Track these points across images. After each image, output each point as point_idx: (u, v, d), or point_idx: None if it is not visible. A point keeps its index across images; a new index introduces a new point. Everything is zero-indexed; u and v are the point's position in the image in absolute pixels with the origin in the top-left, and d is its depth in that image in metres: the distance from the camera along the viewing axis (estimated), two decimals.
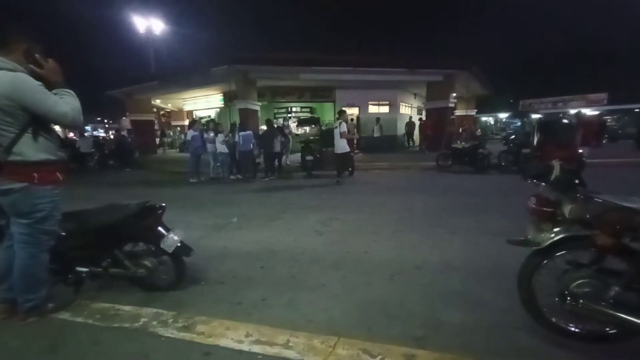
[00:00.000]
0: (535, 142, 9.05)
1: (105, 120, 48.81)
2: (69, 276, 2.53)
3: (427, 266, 3.08)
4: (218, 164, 9.51)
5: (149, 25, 19.63)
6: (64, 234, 2.53)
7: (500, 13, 45.12)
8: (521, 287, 1.98)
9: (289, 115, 17.45)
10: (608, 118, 20.63)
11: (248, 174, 9.26)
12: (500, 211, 4.91)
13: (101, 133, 42.54)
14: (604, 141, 14.76)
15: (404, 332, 2.07)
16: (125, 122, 20.63)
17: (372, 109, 17.85)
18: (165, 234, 2.55)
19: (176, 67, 16.33)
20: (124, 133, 18.03)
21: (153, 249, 2.62)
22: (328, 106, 17.61)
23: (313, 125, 15.09)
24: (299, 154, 10.57)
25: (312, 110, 17.95)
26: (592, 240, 1.71)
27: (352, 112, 17.37)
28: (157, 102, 20.53)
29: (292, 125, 15.64)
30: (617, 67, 30.34)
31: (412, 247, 3.65)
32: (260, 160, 9.76)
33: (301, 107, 17.94)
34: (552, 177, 1.93)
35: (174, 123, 24.02)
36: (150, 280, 2.65)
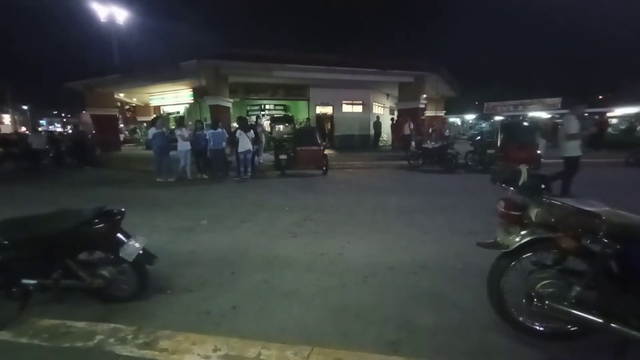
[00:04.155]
0: (498, 143, 9.56)
1: (63, 115, 45.48)
2: (13, 290, 2.28)
3: (400, 267, 3.10)
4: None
5: (112, 13, 18.41)
6: (6, 242, 2.28)
7: (470, 19, 47.39)
8: (491, 288, 2.03)
9: (262, 112, 17.11)
10: (561, 121, 22.19)
11: (220, 173, 8.95)
12: (469, 210, 5.10)
13: (58, 128, 39.57)
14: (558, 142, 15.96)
15: (379, 336, 2.06)
16: (85, 116, 19.24)
17: (346, 108, 17.96)
18: (125, 241, 2.37)
19: (142, 59, 15.42)
20: (81, 128, 16.77)
21: (112, 257, 2.42)
22: (302, 104, 17.47)
23: (287, 124, 14.88)
24: (273, 153, 10.36)
25: (285, 108, 17.72)
26: (556, 242, 1.78)
27: (326, 110, 17.39)
28: (121, 96, 19.31)
29: (265, 123, 15.35)
30: (571, 74, 32.80)
31: (385, 247, 3.67)
32: (233, 159, 9.45)
33: (274, 105, 17.65)
34: (520, 182, 1.99)
35: (139, 118, 22.74)
36: (109, 291, 2.45)
